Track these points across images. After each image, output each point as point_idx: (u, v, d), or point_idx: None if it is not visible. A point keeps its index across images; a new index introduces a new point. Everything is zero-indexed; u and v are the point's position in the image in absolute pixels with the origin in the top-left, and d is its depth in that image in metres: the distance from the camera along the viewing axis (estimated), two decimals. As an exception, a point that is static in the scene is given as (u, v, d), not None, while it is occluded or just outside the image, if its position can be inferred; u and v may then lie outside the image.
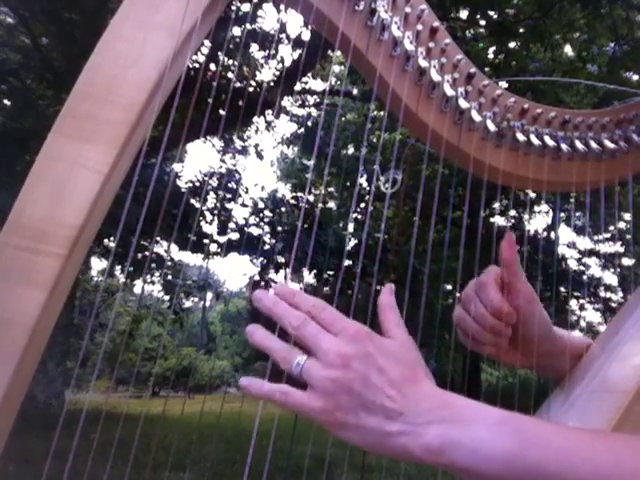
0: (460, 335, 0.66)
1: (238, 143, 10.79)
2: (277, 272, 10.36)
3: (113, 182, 0.51)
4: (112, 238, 7.61)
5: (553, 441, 0.39)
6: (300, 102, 10.96)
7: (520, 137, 0.67)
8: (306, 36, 6.31)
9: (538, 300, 0.65)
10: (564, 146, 0.69)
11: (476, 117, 0.65)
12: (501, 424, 0.40)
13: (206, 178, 9.41)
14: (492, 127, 0.65)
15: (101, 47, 0.52)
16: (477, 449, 0.39)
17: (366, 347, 0.42)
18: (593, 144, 0.70)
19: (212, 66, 6.34)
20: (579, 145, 0.69)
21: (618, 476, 0.37)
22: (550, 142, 0.68)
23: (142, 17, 0.53)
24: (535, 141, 0.67)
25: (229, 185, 9.85)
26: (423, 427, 0.40)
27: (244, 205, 10.20)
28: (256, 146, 10.20)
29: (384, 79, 0.62)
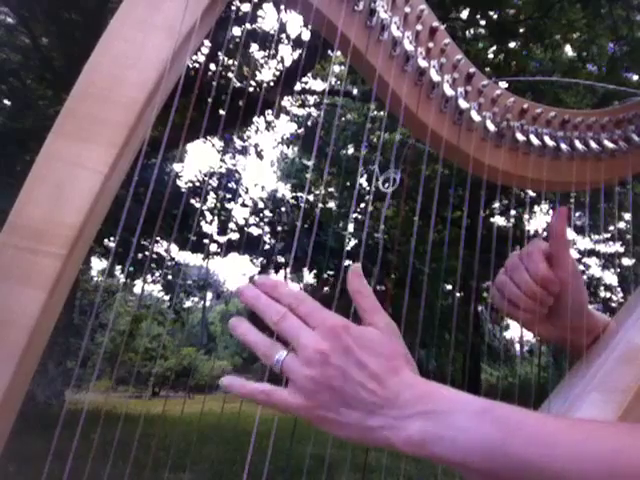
0: (497, 301, 0.67)
1: (238, 143, 10.79)
2: (277, 272, 10.35)
3: (113, 182, 0.51)
4: (112, 238, 7.61)
5: (534, 430, 0.38)
6: (300, 102, 10.97)
7: (520, 137, 0.67)
8: (306, 36, 6.31)
9: (580, 276, 0.67)
10: (564, 146, 0.69)
11: (476, 117, 0.65)
12: (481, 414, 0.39)
13: (206, 178, 9.41)
14: (492, 127, 0.65)
15: (101, 47, 0.52)
16: (457, 440, 0.38)
17: (344, 341, 0.41)
18: (593, 144, 0.70)
19: (212, 66, 6.35)
20: (579, 145, 0.69)
21: (595, 464, 0.36)
22: (550, 142, 0.68)
23: (142, 17, 0.53)
24: (535, 141, 0.67)
25: (229, 185, 9.85)
26: (404, 421, 0.40)
27: (244, 205, 10.21)
28: (256, 146, 10.20)
29: (384, 79, 0.62)
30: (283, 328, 0.43)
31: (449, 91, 0.63)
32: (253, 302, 0.45)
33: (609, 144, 0.71)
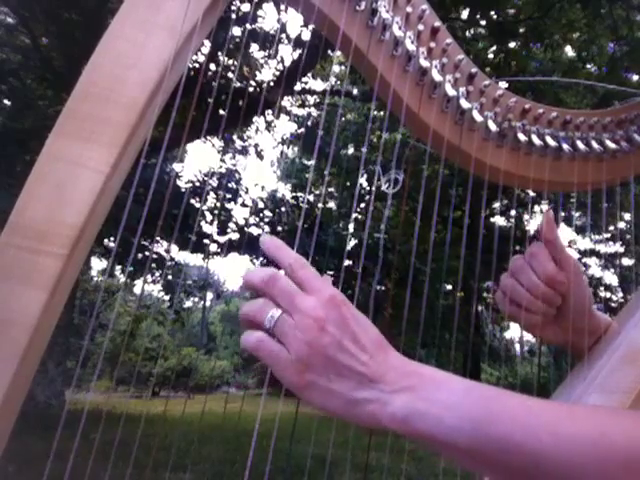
0: (505, 306, 0.66)
1: (238, 143, 10.80)
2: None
3: (114, 182, 0.51)
4: (112, 238, 7.61)
5: (520, 410, 0.38)
6: (300, 102, 10.96)
7: (521, 137, 0.67)
8: (306, 36, 6.31)
9: (582, 273, 0.67)
10: (565, 146, 0.68)
11: (477, 117, 0.65)
12: (467, 393, 0.39)
13: (206, 178, 9.41)
14: (493, 127, 0.65)
15: (102, 47, 0.52)
16: (441, 418, 0.38)
17: (342, 311, 0.41)
18: (594, 144, 0.70)
19: (212, 66, 6.35)
20: (580, 145, 0.69)
21: (579, 446, 0.36)
22: (551, 142, 0.68)
23: (143, 17, 0.53)
24: (536, 141, 0.67)
25: (229, 185, 9.85)
26: (390, 395, 0.40)
27: (244, 205, 10.21)
28: (256, 146, 10.20)
29: (385, 79, 0.61)
30: (275, 290, 0.42)
31: (451, 91, 0.63)
32: (246, 277, 0.44)
33: (611, 144, 0.70)
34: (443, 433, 0.38)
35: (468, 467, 0.41)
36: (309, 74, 9.17)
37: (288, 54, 7.61)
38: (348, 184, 11.34)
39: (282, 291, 0.42)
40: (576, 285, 0.65)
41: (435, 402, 0.39)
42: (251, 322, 0.43)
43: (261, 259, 0.46)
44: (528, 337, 0.73)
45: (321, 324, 0.41)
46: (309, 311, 0.41)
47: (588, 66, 8.03)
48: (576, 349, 0.69)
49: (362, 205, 10.95)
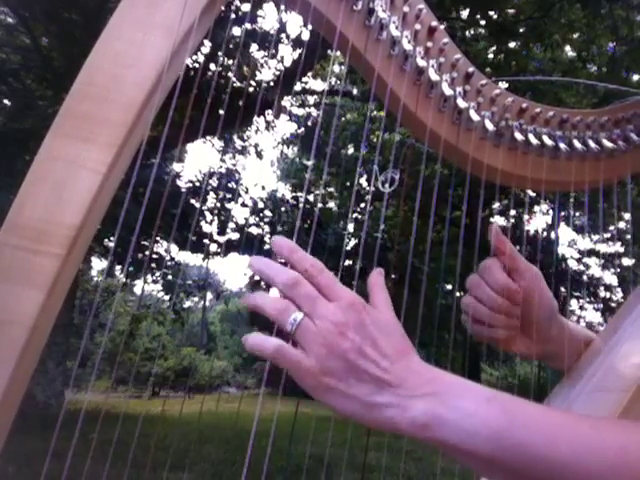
0: (470, 326, 0.66)
1: (238, 143, 10.79)
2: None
3: (112, 182, 0.51)
4: (112, 238, 7.61)
5: (540, 420, 0.39)
6: (300, 102, 10.97)
7: (518, 136, 0.67)
8: (306, 36, 6.31)
9: (543, 280, 0.66)
10: (562, 145, 0.69)
11: (474, 116, 0.65)
12: (489, 401, 0.39)
13: (206, 178, 9.41)
14: (490, 126, 0.65)
15: (100, 47, 0.52)
16: (463, 425, 0.38)
17: (362, 317, 0.42)
18: (591, 143, 0.70)
19: (212, 66, 6.35)
20: (577, 144, 0.69)
21: (598, 457, 0.36)
22: (548, 141, 0.68)
23: (141, 17, 0.53)
24: (533, 140, 0.67)
25: (229, 185, 9.85)
26: (411, 401, 0.40)
27: (244, 205, 10.21)
28: (256, 146, 10.20)
29: (382, 79, 0.62)
30: (298, 294, 0.42)
31: (448, 90, 0.63)
32: (264, 269, 0.44)
33: (608, 143, 0.70)
34: (463, 440, 0.38)
35: (487, 476, 0.41)
36: (309, 74, 9.17)
37: (288, 54, 7.61)
38: (348, 184, 11.35)
39: (305, 296, 0.42)
40: (539, 294, 0.65)
41: (456, 409, 0.39)
42: (264, 316, 0.43)
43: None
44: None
45: (342, 329, 0.41)
46: (330, 316, 0.41)
47: (588, 66, 8.02)
48: (552, 358, 0.69)
49: (362, 205, 10.94)
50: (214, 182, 9.65)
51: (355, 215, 10.48)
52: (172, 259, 10.16)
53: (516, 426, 0.38)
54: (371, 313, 0.43)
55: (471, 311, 0.65)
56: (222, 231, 9.50)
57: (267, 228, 10.58)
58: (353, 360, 0.41)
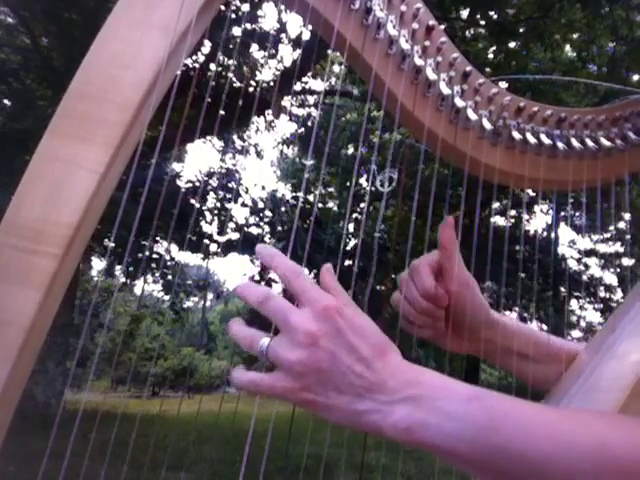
0: (400, 319, 0.67)
1: (238, 143, 10.80)
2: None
3: (109, 182, 0.51)
4: (112, 238, 7.61)
5: (523, 419, 0.38)
6: (300, 102, 10.96)
7: (516, 135, 0.67)
8: (306, 36, 6.31)
9: (475, 286, 0.67)
10: (560, 144, 0.69)
11: (472, 116, 0.65)
12: (469, 400, 0.39)
13: (206, 178, 9.41)
14: (488, 126, 0.65)
15: (97, 46, 0.52)
16: (444, 426, 0.38)
17: (335, 324, 0.41)
18: (589, 142, 0.70)
19: (212, 66, 6.34)
20: (575, 143, 0.69)
21: (579, 454, 0.36)
22: (546, 140, 0.68)
23: (138, 16, 0.53)
24: (531, 139, 0.67)
25: (229, 185, 9.85)
26: (391, 406, 0.40)
27: (244, 205, 10.21)
28: (256, 146, 10.20)
29: (380, 78, 0.61)
30: (268, 309, 0.42)
31: (445, 90, 0.63)
32: (240, 291, 0.44)
33: (606, 142, 0.70)
34: (444, 441, 0.38)
35: (471, 474, 0.41)
36: (309, 74, 9.17)
37: (288, 54, 7.61)
38: (347, 184, 11.35)
39: (275, 310, 0.42)
40: (470, 300, 0.66)
41: (435, 410, 0.39)
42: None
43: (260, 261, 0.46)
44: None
45: (314, 339, 0.40)
46: (302, 327, 0.40)
47: (588, 66, 8.02)
48: (491, 356, 0.70)
49: (362, 205, 10.95)
50: (214, 182, 9.65)
51: (355, 215, 10.48)
52: (172, 259, 10.16)
53: (495, 424, 0.38)
54: (345, 316, 0.42)
55: (400, 310, 0.66)
56: (222, 231, 9.50)
57: (267, 228, 10.59)
58: (327, 369, 0.40)
